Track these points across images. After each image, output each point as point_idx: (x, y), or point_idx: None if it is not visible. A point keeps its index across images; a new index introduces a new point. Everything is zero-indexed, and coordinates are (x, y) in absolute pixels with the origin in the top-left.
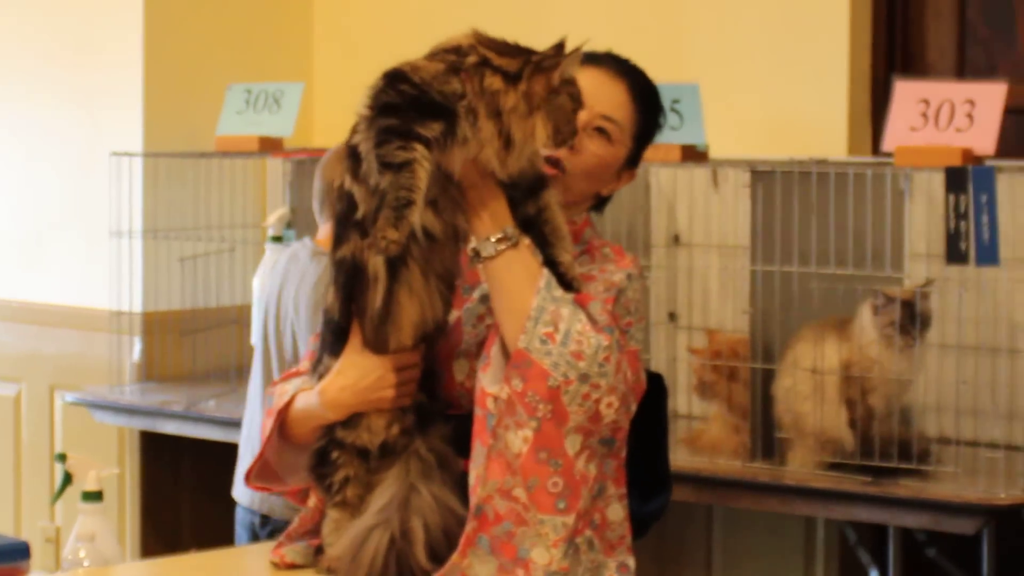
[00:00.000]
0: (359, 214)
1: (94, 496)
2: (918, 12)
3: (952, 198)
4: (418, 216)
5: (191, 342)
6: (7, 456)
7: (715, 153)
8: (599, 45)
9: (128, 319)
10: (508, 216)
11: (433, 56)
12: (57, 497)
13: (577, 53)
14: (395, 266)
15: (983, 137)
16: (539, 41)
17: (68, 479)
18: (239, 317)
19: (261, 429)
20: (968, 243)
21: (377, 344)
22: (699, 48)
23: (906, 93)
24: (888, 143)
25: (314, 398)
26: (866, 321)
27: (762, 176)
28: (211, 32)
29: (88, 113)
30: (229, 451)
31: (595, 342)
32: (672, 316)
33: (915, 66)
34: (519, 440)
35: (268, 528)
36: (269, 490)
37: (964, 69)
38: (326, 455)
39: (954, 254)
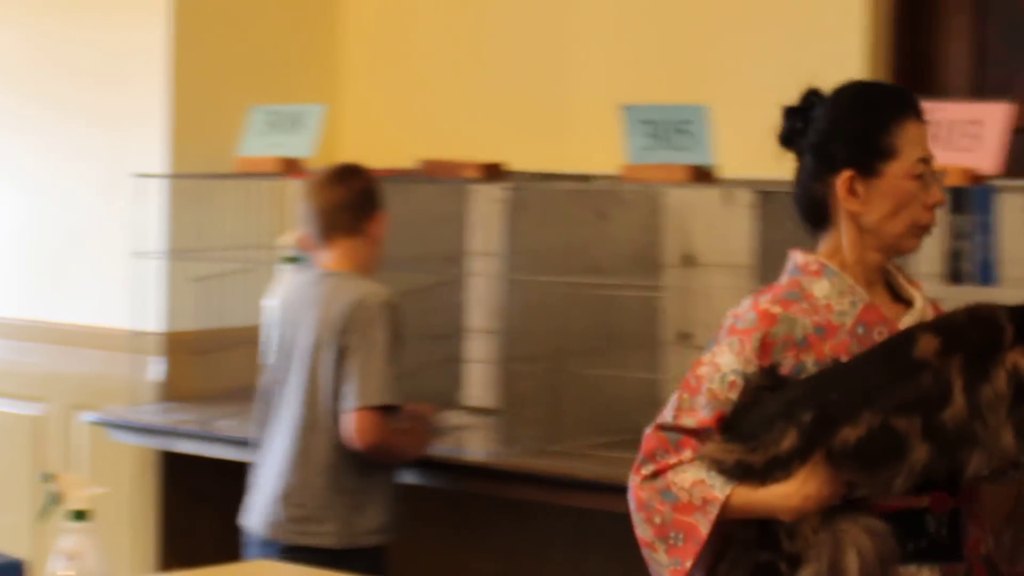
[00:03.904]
0: (945, 413)
1: (81, 515)
2: (935, 32)
3: (953, 219)
4: None
5: (211, 361)
6: (31, 475)
7: (729, 173)
8: (614, 65)
9: (148, 339)
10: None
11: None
12: (41, 516)
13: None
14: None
15: (988, 157)
16: (561, 52)
17: (56, 499)
18: (253, 338)
19: (670, 523)
20: (965, 263)
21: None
22: (712, 68)
23: None
24: None
25: (770, 498)
26: None
27: (768, 196)
28: (236, 54)
29: (112, 135)
30: (245, 470)
31: None
32: (684, 336)
33: (932, 86)
34: None
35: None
36: None
37: (984, 89)
38: (774, 570)
39: (955, 274)
